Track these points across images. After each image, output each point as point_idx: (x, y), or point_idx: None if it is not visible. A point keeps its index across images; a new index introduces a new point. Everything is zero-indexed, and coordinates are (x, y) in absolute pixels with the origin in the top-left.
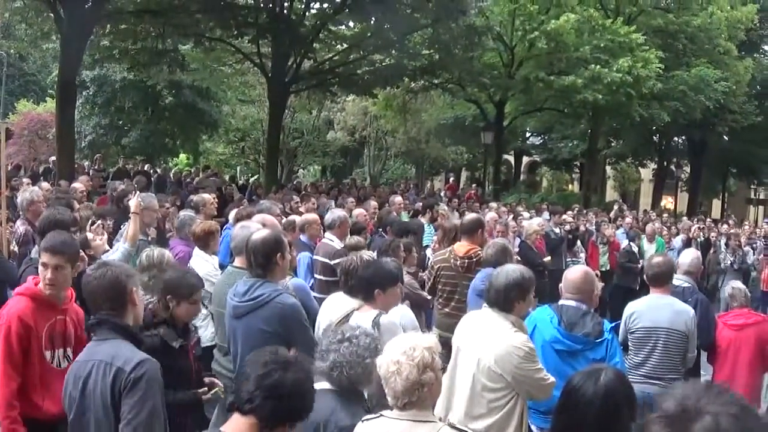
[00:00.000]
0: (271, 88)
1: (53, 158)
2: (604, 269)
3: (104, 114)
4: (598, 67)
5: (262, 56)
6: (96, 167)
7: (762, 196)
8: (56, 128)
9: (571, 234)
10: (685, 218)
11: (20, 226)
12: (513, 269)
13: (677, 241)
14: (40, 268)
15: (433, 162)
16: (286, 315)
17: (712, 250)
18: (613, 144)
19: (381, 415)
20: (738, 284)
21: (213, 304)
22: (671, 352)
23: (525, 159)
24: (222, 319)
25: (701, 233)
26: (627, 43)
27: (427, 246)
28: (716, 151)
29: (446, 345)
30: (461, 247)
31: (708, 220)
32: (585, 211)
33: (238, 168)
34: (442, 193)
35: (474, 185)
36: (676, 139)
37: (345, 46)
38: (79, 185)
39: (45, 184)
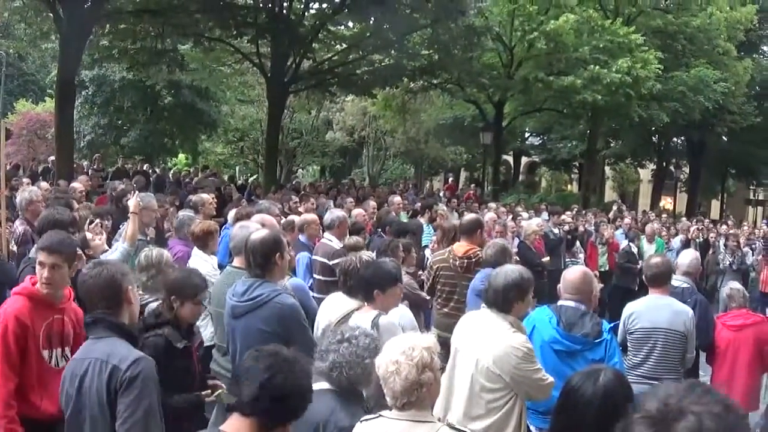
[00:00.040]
0: (270, 88)
1: (52, 158)
2: (603, 270)
3: (103, 114)
4: (597, 67)
5: (261, 56)
6: (95, 167)
7: (761, 197)
8: (55, 128)
9: (570, 234)
10: (684, 219)
11: (19, 226)
12: (512, 270)
13: (676, 242)
14: (37, 267)
15: (432, 162)
16: (284, 315)
17: (711, 251)
18: (612, 144)
19: (380, 415)
20: (736, 285)
21: (212, 304)
22: (670, 353)
23: (524, 159)
24: (221, 319)
25: (700, 234)
26: (626, 44)
27: (425, 246)
28: (715, 151)
29: (445, 345)
30: (460, 247)
31: (707, 220)
32: (584, 212)
33: (237, 168)
34: (441, 194)
35: (473, 185)
36: (675, 139)
37: (344, 46)
38: (78, 185)
39: (44, 184)
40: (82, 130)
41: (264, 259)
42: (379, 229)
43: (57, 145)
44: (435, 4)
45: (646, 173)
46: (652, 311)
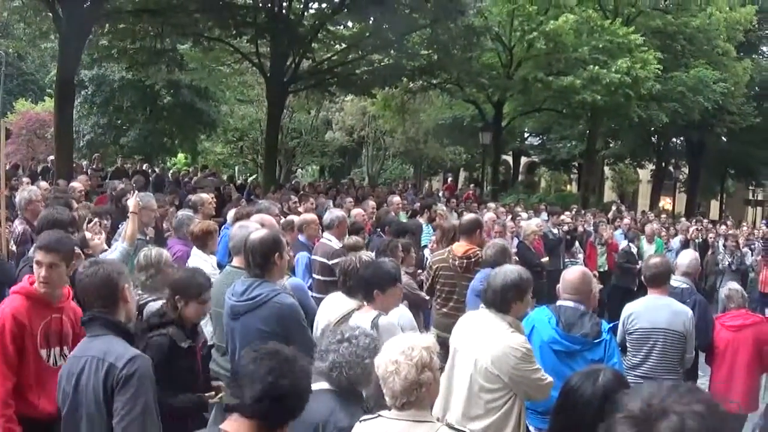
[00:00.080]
0: (270, 88)
1: (51, 157)
2: (602, 270)
3: (102, 113)
4: (596, 67)
5: (260, 56)
6: (94, 167)
7: (760, 197)
8: (54, 127)
9: (569, 235)
10: (683, 219)
11: (18, 226)
12: (511, 270)
13: (675, 242)
14: (35, 266)
15: (432, 162)
16: (284, 315)
17: (710, 251)
18: (611, 145)
19: (379, 415)
20: (735, 285)
21: (211, 304)
22: (669, 353)
23: (523, 159)
24: (220, 318)
25: (699, 234)
26: (626, 44)
27: (425, 246)
28: (715, 152)
29: (444, 345)
30: (460, 247)
31: (706, 221)
32: (583, 212)
33: (237, 168)
34: (440, 194)
35: (472, 185)
36: (674, 140)
37: (343, 46)
38: (78, 185)
39: (43, 184)
40: (81, 129)
41: (263, 258)
42: (379, 229)
43: (56, 144)
44: (434, 4)
45: (645, 173)
46: (651, 312)
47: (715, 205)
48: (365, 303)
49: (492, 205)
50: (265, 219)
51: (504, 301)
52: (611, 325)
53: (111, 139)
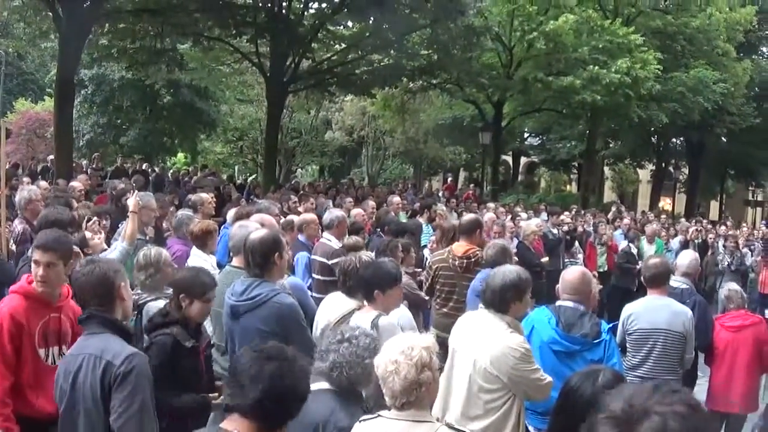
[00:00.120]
0: (270, 88)
1: (51, 157)
2: (601, 270)
3: (102, 113)
4: (596, 67)
5: (260, 56)
6: (94, 166)
7: (760, 198)
8: (54, 127)
9: (569, 235)
10: (683, 220)
11: (18, 225)
12: (510, 270)
13: (675, 243)
14: (33, 265)
15: (431, 162)
16: (283, 314)
17: (709, 252)
18: (611, 145)
19: (379, 415)
20: (734, 286)
21: None
22: (669, 354)
23: (523, 159)
24: (220, 318)
25: (699, 235)
26: (625, 44)
27: (424, 246)
28: (714, 152)
29: (443, 345)
30: (460, 247)
31: (705, 221)
32: (583, 212)
33: (236, 167)
34: (440, 194)
35: (472, 185)
36: (674, 140)
37: (343, 46)
38: (78, 184)
39: (43, 183)
40: (81, 129)
41: (263, 258)
42: (378, 229)
43: (56, 144)
44: (434, 4)
45: (645, 174)
46: (651, 312)
47: (714, 206)
48: (365, 303)
49: (492, 205)
50: (264, 219)
51: (503, 301)
52: (611, 325)
53: (111, 138)
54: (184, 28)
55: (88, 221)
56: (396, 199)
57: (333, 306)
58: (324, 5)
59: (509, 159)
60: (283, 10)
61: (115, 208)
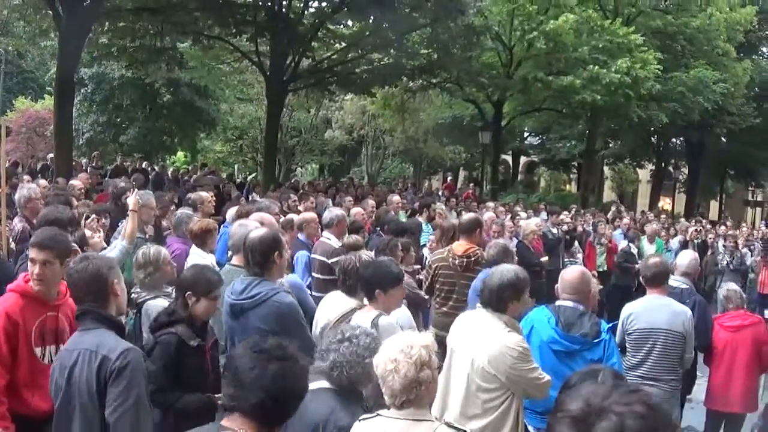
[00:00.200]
0: (270, 87)
1: (51, 155)
2: (601, 270)
3: (102, 111)
4: (596, 67)
5: (260, 54)
6: (94, 165)
7: (759, 198)
8: (54, 125)
9: (568, 234)
10: (682, 219)
11: (18, 223)
12: (508, 269)
13: (674, 243)
14: (29, 263)
15: (431, 161)
16: (283, 313)
17: (709, 252)
18: (611, 145)
19: (378, 414)
20: (733, 286)
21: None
22: (669, 353)
23: (523, 159)
24: (219, 317)
25: (698, 235)
26: (626, 44)
27: (423, 245)
28: (714, 152)
29: (443, 344)
30: (459, 246)
31: (705, 221)
32: (582, 212)
33: (236, 166)
34: (439, 193)
35: (472, 185)
36: (674, 140)
37: (343, 45)
38: (78, 182)
39: (42, 182)
40: (81, 127)
41: (263, 257)
42: (378, 228)
43: (56, 142)
44: (434, 4)
45: (644, 174)
46: (651, 312)
47: (714, 206)
48: (366, 302)
49: (491, 204)
50: (264, 217)
51: (500, 300)
52: (610, 325)
53: (110, 137)
54: (184, 27)
55: (86, 219)
56: (396, 198)
57: (333, 305)
58: (324, 4)
59: (509, 158)
60: (283, 8)
61: (114, 207)
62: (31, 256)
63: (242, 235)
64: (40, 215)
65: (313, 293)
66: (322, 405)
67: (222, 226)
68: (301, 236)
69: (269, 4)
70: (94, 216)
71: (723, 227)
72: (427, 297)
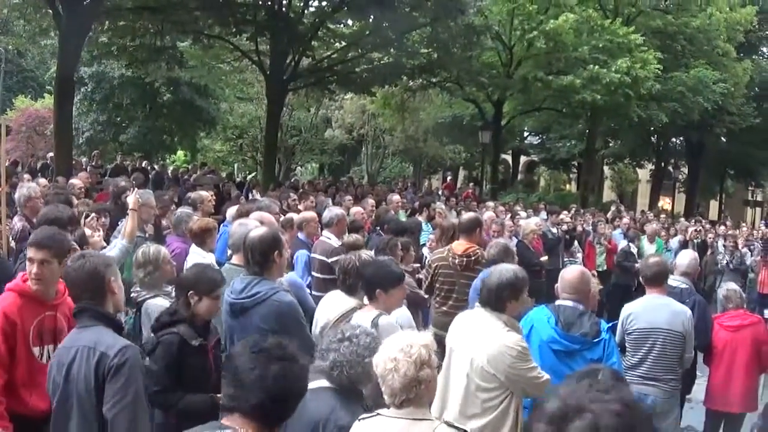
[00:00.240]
0: (270, 86)
1: (51, 154)
2: (600, 269)
3: (102, 110)
4: (596, 67)
5: (260, 54)
6: (93, 164)
7: (759, 198)
8: (54, 124)
9: (568, 234)
10: (682, 219)
11: (18, 222)
12: (506, 269)
13: (674, 242)
14: (27, 263)
15: (431, 161)
16: (282, 313)
17: (709, 252)
18: (611, 144)
19: (378, 413)
20: (733, 285)
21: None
22: (668, 353)
23: (523, 158)
24: (219, 316)
25: (698, 235)
26: (626, 44)
27: (423, 244)
28: (714, 152)
29: (442, 343)
30: (459, 245)
31: (705, 221)
32: (582, 211)
33: (236, 165)
34: (439, 192)
35: (471, 184)
36: (674, 140)
37: (343, 44)
38: (78, 181)
39: (42, 180)
40: (81, 126)
41: (262, 256)
42: (378, 228)
43: (56, 141)
44: (434, 3)
45: (644, 173)
46: (650, 312)
47: (714, 206)
48: (366, 302)
49: (491, 203)
50: (264, 217)
51: (499, 299)
52: (610, 324)
53: (110, 136)
54: (184, 26)
55: (86, 218)
56: (395, 197)
57: (332, 304)
58: (324, 3)
59: (509, 158)
60: (284, 8)
61: (114, 206)
62: (29, 255)
63: (242, 235)
64: (40, 214)
65: (313, 292)
66: (322, 404)
67: (222, 225)
68: (300, 235)
69: (269, 3)
70: (93, 215)
71: (723, 227)
72: (426, 296)
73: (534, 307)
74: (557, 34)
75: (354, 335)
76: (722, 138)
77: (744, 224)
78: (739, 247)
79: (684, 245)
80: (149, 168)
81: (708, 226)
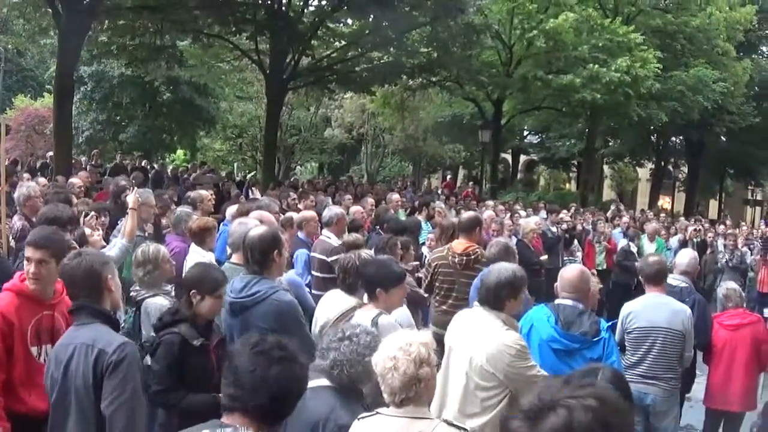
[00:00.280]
0: (269, 85)
1: (50, 154)
2: (600, 268)
3: (102, 110)
4: (596, 66)
5: (260, 53)
6: (93, 163)
7: (759, 197)
8: (53, 124)
9: (567, 233)
10: (682, 218)
11: (17, 221)
12: (505, 268)
13: (674, 242)
14: (25, 262)
15: (431, 160)
16: (282, 311)
17: (708, 251)
18: (610, 143)
19: (377, 412)
20: (732, 284)
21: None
22: (668, 352)
23: (522, 157)
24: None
25: (698, 234)
26: (625, 43)
27: (422, 243)
28: (714, 151)
29: (441, 342)
30: (459, 244)
31: (704, 220)
32: (582, 211)
33: (236, 164)
34: (439, 191)
35: (471, 183)
36: (673, 139)
37: (343, 43)
38: (78, 181)
39: (42, 180)
40: (80, 125)
41: (262, 255)
42: (377, 227)
43: (55, 140)
44: (434, 2)
45: (644, 172)
46: (650, 311)
47: (714, 205)
48: (366, 301)
49: (491, 203)
50: (264, 216)
51: (497, 298)
52: (610, 323)
53: (110, 135)
54: (184, 25)
55: (86, 217)
56: (395, 196)
57: (332, 303)
58: (324, 2)
59: (508, 157)
60: (283, 7)
61: (114, 205)
62: (27, 254)
63: (242, 234)
64: (39, 213)
65: (313, 291)
66: (322, 403)
67: (221, 225)
68: (300, 234)
69: (269, 2)
70: (93, 214)
71: (722, 226)
72: (426, 295)
73: (534, 306)
74: (557, 33)
75: (354, 334)
76: (722, 137)
77: (744, 223)
78: (739, 246)
79: (684, 244)
80: (149, 167)
81: (708, 225)
